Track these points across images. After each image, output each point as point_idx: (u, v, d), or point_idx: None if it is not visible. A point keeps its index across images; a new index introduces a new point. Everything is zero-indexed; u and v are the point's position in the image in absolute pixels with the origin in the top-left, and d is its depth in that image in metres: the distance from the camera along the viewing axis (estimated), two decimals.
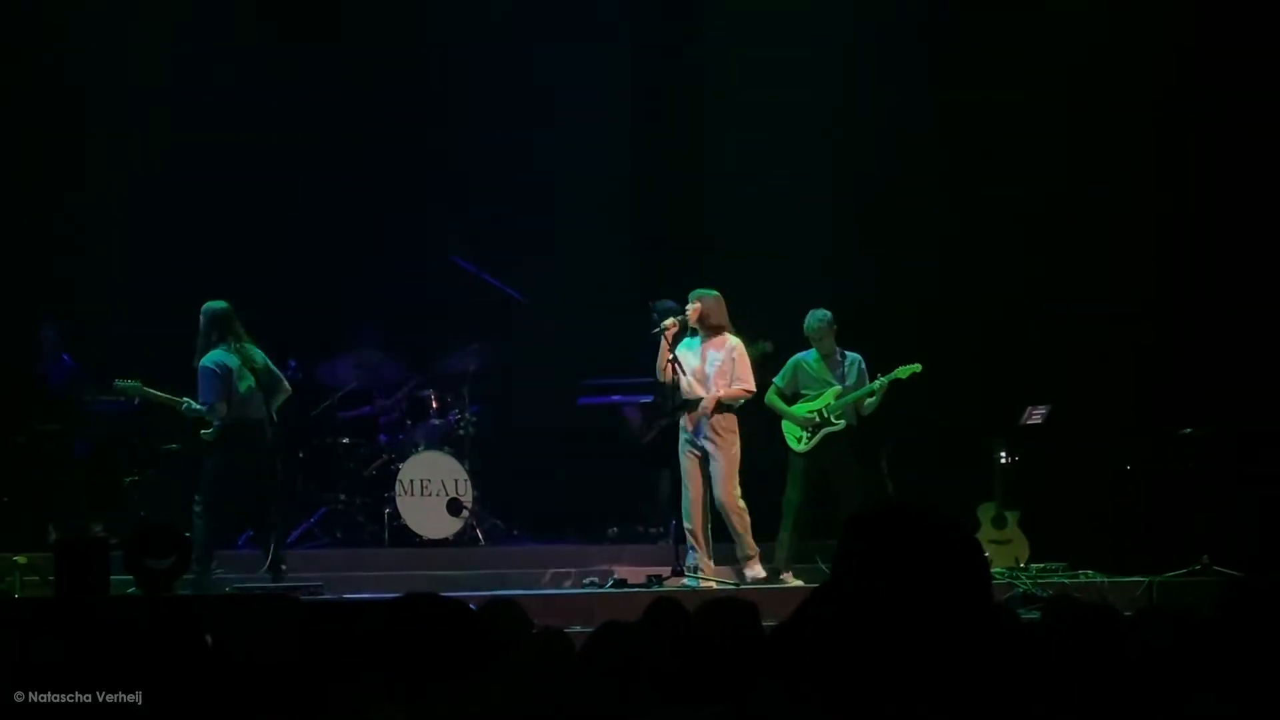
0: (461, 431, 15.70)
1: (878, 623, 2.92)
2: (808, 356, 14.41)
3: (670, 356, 13.68)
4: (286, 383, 13.47)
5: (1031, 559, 14.49)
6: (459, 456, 15.38)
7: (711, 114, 17.61)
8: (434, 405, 15.93)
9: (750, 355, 14.39)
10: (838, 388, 14.27)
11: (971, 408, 15.50)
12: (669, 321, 13.60)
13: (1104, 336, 15.83)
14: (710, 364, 13.64)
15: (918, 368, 14.08)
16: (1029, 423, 15.12)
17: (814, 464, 14.27)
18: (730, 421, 13.61)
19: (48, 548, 12.37)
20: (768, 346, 14.75)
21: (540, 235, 17.12)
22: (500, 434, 16.22)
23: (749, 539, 13.68)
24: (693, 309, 13.65)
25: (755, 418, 14.58)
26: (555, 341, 16.59)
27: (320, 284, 16.44)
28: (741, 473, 13.80)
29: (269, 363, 13.40)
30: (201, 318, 13.25)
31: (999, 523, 14.76)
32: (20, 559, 12.60)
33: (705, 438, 13.60)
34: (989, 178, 16.32)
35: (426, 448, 15.43)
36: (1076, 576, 13.97)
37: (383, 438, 15.92)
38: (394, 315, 16.52)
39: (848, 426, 14.26)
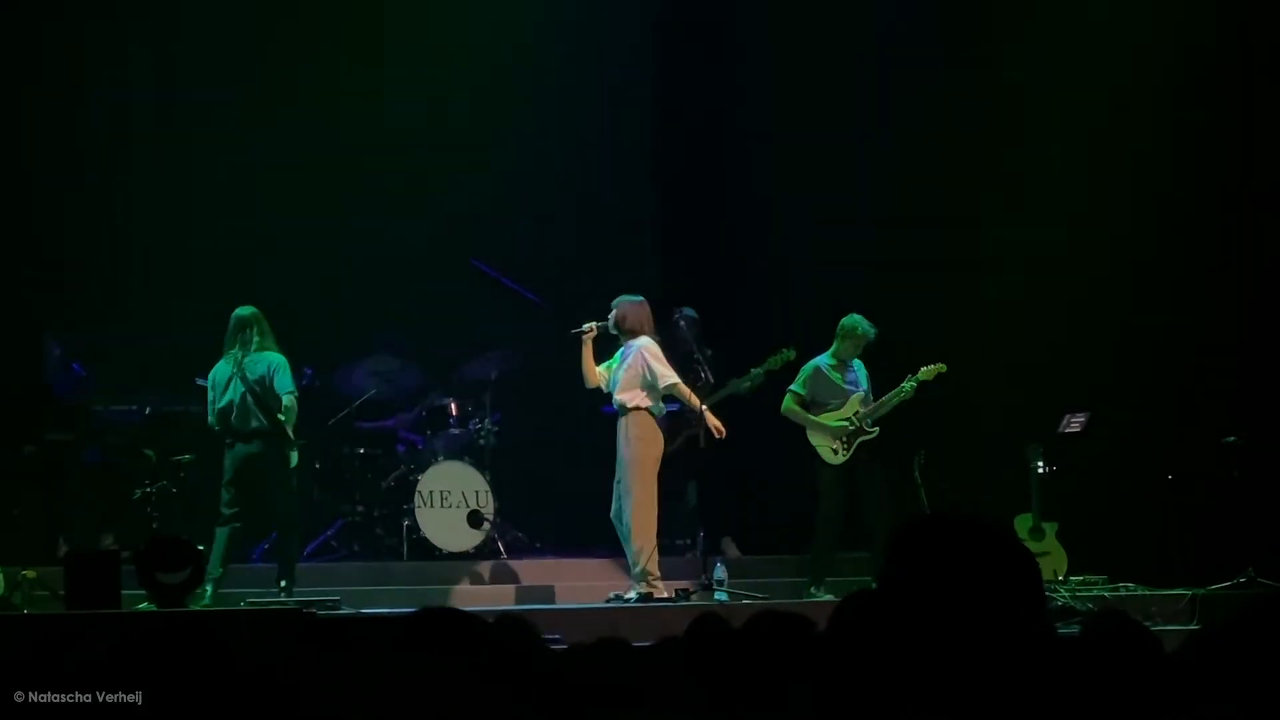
0: (482, 441, 15.67)
1: (929, 635, 2.88)
2: (824, 362, 14.35)
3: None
4: (287, 398, 13.41)
5: (1070, 572, 14.42)
6: (480, 467, 15.36)
7: (737, 116, 17.61)
8: (454, 414, 15.89)
9: (774, 364, 14.44)
10: (859, 393, 14.25)
11: (1007, 415, 15.43)
12: (588, 326, 13.63)
13: (1145, 340, 15.74)
14: (621, 369, 13.60)
15: (943, 367, 14.06)
16: (1067, 430, 15.05)
17: (846, 474, 14.21)
18: (642, 426, 13.50)
19: (57, 561, 12.39)
20: (791, 354, 14.73)
21: (562, 239, 17.10)
22: (522, 443, 16.17)
23: (645, 559, 13.43)
24: (612, 314, 13.62)
25: (775, 426, 14.54)
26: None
27: (336, 289, 16.43)
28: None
29: (273, 376, 13.39)
30: None
31: (1036, 534, 14.68)
32: (29, 573, 12.60)
33: (621, 441, 13.55)
34: (1025, 177, 16.24)
35: (446, 458, 15.41)
36: (1117, 590, 13.92)
37: (401, 448, 15.90)
38: (412, 321, 16.49)
39: (878, 432, 14.24)
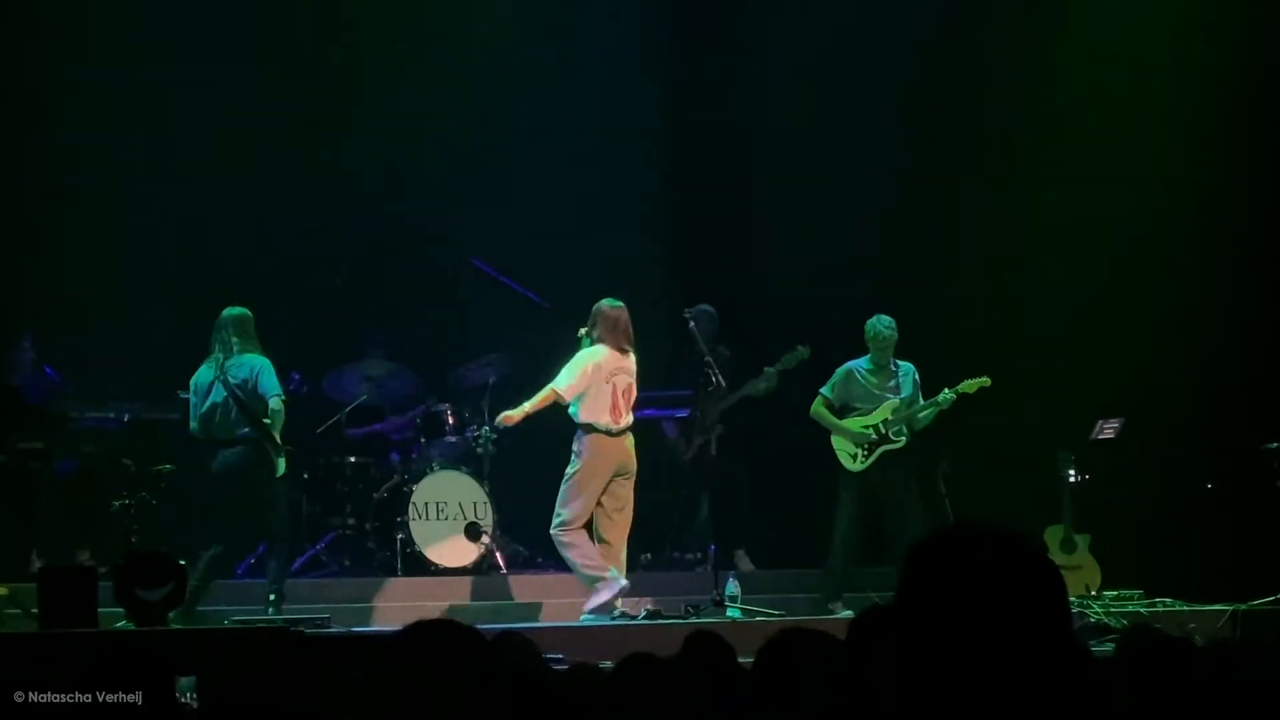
0: (480, 449, 15.61)
1: (948, 660, 2.85)
2: (860, 365, 14.28)
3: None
4: (273, 401, 13.28)
5: (1104, 586, 14.39)
6: (477, 477, 15.32)
7: (750, 113, 17.63)
8: (450, 421, 15.85)
9: (788, 363, 14.48)
10: (894, 401, 14.15)
11: (1037, 421, 15.40)
12: (582, 331, 13.71)
13: (1182, 343, 15.71)
14: None
15: (986, 382, 13.94)
16: (1100, 437, 15.02)
17: (869, 484, 14.13)
18: (580, 443, 13.54)
19: (30, 577, 12.36)
20: (805, 353, 14.75)
21: (569, 237, 17.09)
22: (523, 452, 16.14)
23: (587, 568, 13.41)
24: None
25: (791, 433, 14.51)
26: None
27: (325, 289, 16.42)
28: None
29: (256, 379, 13.29)
30: None
31: (1068, 547, 14.66)
32: (1, 590, 12.58)
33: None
34: (1055, 175, 16.24)
35: (442, 467, 15.36)
36: (1154, 605, 13.88)
37: (394, 456, 15.87)
38: (406, 322, 16.48)
39: (906, 443, 14.16)
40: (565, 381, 13.42)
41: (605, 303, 13.62)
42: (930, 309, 15.55)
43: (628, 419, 13.55)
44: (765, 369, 14.89)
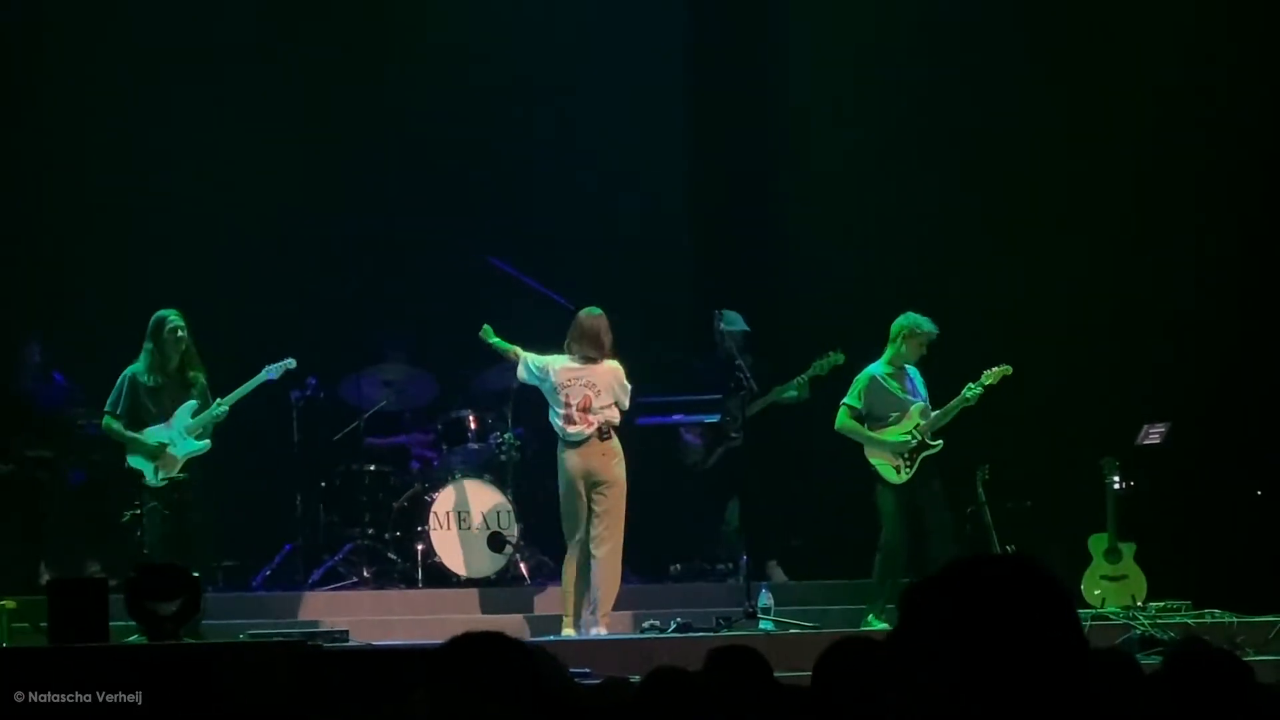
0: (504, 457, 15.61)
1: (950, 679, 2.83)
2: (880, 370, 14.15)
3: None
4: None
5: (1150, 597, 14.35)
6: (501, 485, 15.31)
7: (777, 112, 17.62)
8: (472, 427, 15.82)
9: (821, 369, 14.46)
10: (919, 403, 14.06)
11: (1081, 425, 15.36)
12: None
13: (1230, 346, 15.67)
14: None
15: (1008, 370, 13.88)
16: (1146, 442, 14.98)
17: (909, 495, 14.04)
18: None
19: (39, 590, 12.38)
20: (839, 358, 14.70)
21: (592, 236, 17.09)
22: (547, 459, 16.11)
23: (567, 599, 13.60)
24: None
25: (824, 439, 14.49)
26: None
27: (342, 291, 16.43)
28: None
29: None
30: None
31: (1113, 556, 14.62)
32: (8, 603, 12.59)
33: None
34: (1096, 170, 16.21)
35: (464, 476, 15.34)
36: (1202, 616, 13.83)
37: (415, 465, 15.87)
38: (425, 325, 16.48)
39: (941, 446, 14.10)
40: (527, 359, 13.72)
41: (582, 311, 13.73)
42: (968, 314, 15.50)
43: (585, 429, 13.51)
44: (797, 378, 14.85)
